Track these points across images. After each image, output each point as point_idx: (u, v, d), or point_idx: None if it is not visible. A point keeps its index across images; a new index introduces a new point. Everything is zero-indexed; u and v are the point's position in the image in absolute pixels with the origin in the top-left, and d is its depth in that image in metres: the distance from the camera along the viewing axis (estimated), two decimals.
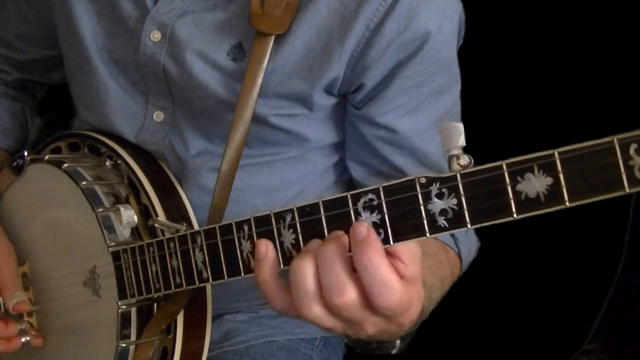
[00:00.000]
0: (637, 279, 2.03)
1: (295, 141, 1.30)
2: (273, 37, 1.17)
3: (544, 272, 2.02)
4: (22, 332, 1.29)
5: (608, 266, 1.95)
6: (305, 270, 0.84)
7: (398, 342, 0.96)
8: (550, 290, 2.02)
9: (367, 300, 0.82)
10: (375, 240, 0.82)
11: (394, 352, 0.97)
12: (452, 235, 1.26)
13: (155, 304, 1.18)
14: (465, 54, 1.28)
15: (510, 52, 1.98)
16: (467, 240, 1.29)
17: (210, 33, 1.22)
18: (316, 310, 0.84)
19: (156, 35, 1.24)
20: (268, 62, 1.17)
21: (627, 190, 0.69)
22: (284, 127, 1.26)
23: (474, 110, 1.32)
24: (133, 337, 1.17)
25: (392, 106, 1.23)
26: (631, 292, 2.05)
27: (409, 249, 0.84)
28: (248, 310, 1.43)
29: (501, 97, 1.98)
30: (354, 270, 0.83)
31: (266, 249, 0.89)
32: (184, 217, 1.23)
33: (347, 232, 0.84)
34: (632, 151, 0.68)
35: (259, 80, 1.17)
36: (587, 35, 1.92)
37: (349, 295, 0.82)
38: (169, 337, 1.18)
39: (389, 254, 0.84)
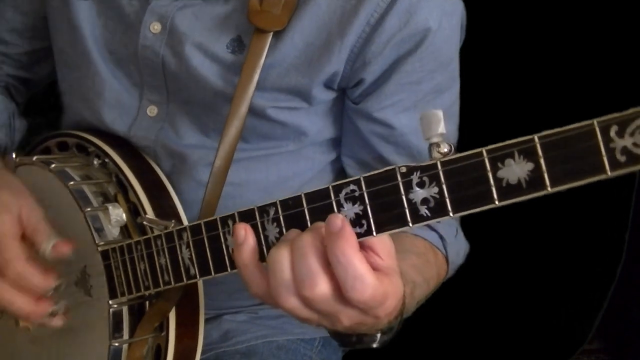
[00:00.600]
0: (637, 279, 2.02)
1: (292, 135, 1.30)
2: (271, 33, 1.18)
3: (543, 272, 2.01)
4: (57, 289, 1.16)
5: (608, 266, 1.94)
6: (282, 259, 0.83)
7: (378, 335, 0.95)
8: (550, 290, 2.02)
9: (340, 293, 0.82)
10: (349, 233, 0.81)
11: (374, 345, 0.96)
12: (441, 238, 1.25)
13: (147, 302, 1.18)
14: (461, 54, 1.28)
15: (504, 50, 1.98)
16: (456, 244, 1.29)
17: (210, 26, 1.23)
18: (292, 301, 0.84)
19: (156, 27, 1.24)
20: (267, 57, 1.18)
21: (609, 173, 0.68)
22: (282, 120, 1.26)
23: (471, 110, 1.32)
24: (126, 336, 1.17)
25: (390, 102, 1.23)
26: (631, 292, 2.04)
27: (384, 243, 0.84)
28: (247, 310, 1.43)
29: (498, 97, 1.98)
30: (328, 263, 0.82)
31: (245, 232, 0.89)
32: (173, 215, 1.22)
33: None
34: (612, 133, 0.67)
35: (256, 77, 1.18)
36: (584, 36, 1.92)
37: (320, 287, 0.82)
38: (162, 334, 1.18)
39: (366, 248, 0.84)
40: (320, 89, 1.23)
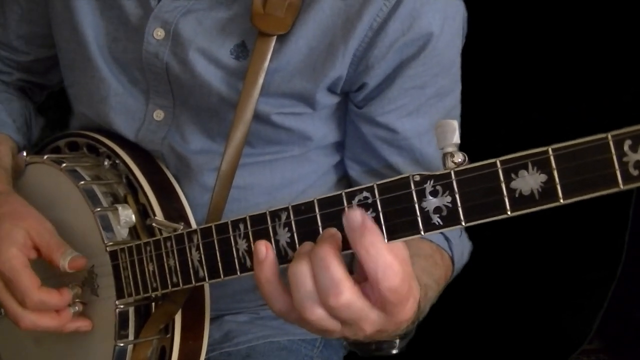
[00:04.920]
0: (637, 279, 2.03)
1: (297, 140, 1.30)
2: (275, 37, 1.18)
3: (543, 272, 2.02)
4: (73, 299, 1.21)
5: (608, 266, 1.95)
6: (303, 272, 0.83)
7: (397, 341, 0.96)
8: (550, 290, 2.02)
9: (366, 293, 0.82)
10: (372, 225, 0.81)
11: (394, 351, 0.97)
12: (446, 238, 1.26)
13: (153, 304, 1.18)
14: (461, 54, 1.28)
15: (505, 50, 1.98)
16: (460, 244, 1.29)
17: (213, 31, 1.23)
18: (318, 312, 0.84)
19: (160, 33, 1.24)
20: (271, 62, 1.18)
21: (622, 187, 0.69)
22: (287, 126, 1.26)
23: (471, 109, 1.32)
24: (131, 337, 1.17)
25: (393, 106, 1.23)
26: (631, 292, 2.05)
27: (399, 250, 0.84)
28: (249, 311, 1.43)
29: (498, 96, 1.98)
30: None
31: (266, 249, 0.88)
32: (182, 217, 1.23)
33: (340, 229, 0.84)
34: (626, 147, 0.68)
35: (260, 81, 1.18)
36: (586, 35, 1.93)
37: (346, 295, 0.81)
38: (167, 336, 1.18)
39: None
40: (323, 93, 1.23)
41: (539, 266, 2.01)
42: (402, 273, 0.81)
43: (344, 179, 1.38)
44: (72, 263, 1.17)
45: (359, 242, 0.81)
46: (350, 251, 0.83)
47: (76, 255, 1.18)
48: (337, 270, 0.82)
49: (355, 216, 0.81)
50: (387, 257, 0.80)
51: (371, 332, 0.86)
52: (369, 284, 0.82)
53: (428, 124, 1.24)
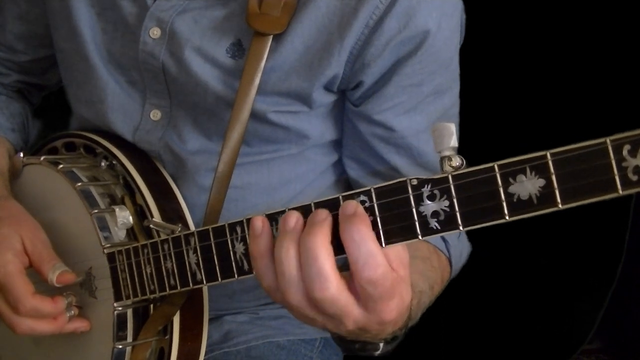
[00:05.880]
0: (637, 279, 2.03)
1: (294, 138, 1.30)
2: (271, 36, 1.17)
3: (543, 272, 2.02)
4: (68, 306, 1.20)
5: (608, 266, 1.95)
6: (289, 258, 0.83)
7: (381, 344, 0.95)
8: (550, 290, 2.02)
9: (352, 289, 0.82)
10: (363, 215, 0.81)
11: (376, 354, 0.96)
12: (444, 240, 1.25)
13: (151, 305, 1.18)
14: (461, 54, 1.27)
15: (505, 52, 1.98)
16: (459, 245, 1.28)
17: (209, 30, 1.22)
18: (299, 298, 0.84)
19: (156, 32, 1.24)
20: (267, 61, 1.18)
21: (620, 192, 0.69)
22: (284, 124, 1.26)
23: (469, 111, 1.31)
24: (129, 339, 1.17)
25: (390, 104, 1.22)
26: (631, 292, 2.04)
27: (396, 253, 0.83)
28: (248, 311, 1.43)
29: (497, 98, 1.98)
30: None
31: (262, 224, 0.88)
32: (179, 218, 1.23)
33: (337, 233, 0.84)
34: (625, 152, 0.68)
35: (257, 80, 1.18)
36: (585, 36, 1.92)
37: (331, 290, 0.81)
38: (166, 338, 1.18)
39: None
40: (320, 92, 1.23)
41: (539, 266, 2.01)
42: (385, 267, 0.80)
43: (343, 179, 1.38)
44: (61, 277, 1.18)
45: (347, 228, 0.81)
46: (343, 255, 0.83)
47: (65, 270, 1.18)
48: (325, 263, 0.81)
49: (350, 206, 0.82)
50: (370, 246, 0.80)
51: (353, 329, 0.86)
52: (352, 275, 0.82)
53: (426, 122, 1.24)
